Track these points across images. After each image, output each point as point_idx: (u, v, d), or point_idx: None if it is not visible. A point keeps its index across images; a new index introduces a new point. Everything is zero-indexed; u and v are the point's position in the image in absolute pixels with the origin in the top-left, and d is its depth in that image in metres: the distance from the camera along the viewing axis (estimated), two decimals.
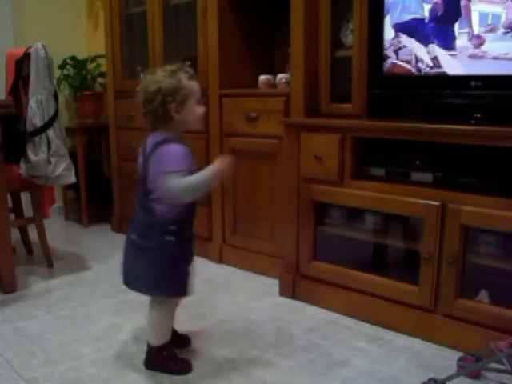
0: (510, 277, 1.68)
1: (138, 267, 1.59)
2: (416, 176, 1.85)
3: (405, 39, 1.89)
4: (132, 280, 1.63)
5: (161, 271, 1.56)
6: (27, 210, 2.76)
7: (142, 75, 1.61)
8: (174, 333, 1.72)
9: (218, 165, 1.54)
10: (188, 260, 1.61)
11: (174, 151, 1.52)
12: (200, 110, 1.59)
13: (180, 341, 1.78)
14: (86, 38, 3.74)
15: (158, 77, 1.53)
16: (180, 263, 1.59)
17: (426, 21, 1.82)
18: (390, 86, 1.98)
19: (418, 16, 1.84)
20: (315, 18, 2.10)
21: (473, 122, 1.75)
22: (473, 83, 1.75)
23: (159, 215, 1.55)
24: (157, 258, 1.55)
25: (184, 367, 1.66)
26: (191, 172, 1.51)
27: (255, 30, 2.67)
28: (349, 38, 2.10)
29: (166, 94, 1.51)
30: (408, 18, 1.87)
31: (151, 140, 1.57)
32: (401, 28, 1.89)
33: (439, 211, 1.74)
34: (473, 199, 1.69)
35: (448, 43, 1.78)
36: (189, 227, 1.62)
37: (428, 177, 1.81)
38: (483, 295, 1.74)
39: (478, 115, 1.75)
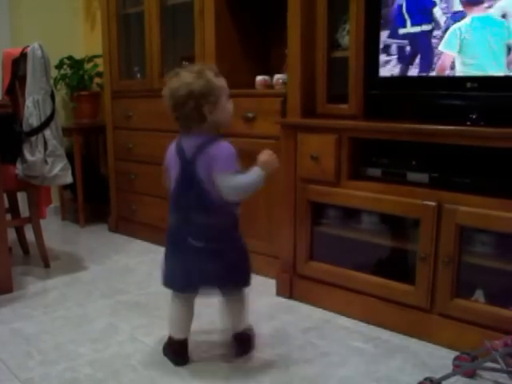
0: (506, 276, 1.69)
1: (219, 268, 1.60)
2: (412, 176, 1.85)
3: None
4: (219, 282, 1.64)
5: (238, 267, 1.66)
6: (24, 210, 2.76)
7: (167, 77, 1.58)
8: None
9: (261, 164, 1.56)
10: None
11: (228, 150, 1.54)
12: (230, 106, 1.59)
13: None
14: (83, 38, 3.74)
15: (186, 79, 1.51)
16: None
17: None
18: (387, 87, 1.98)
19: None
20: (312, 19, 2.11)
21: (468, 122, 1.76)
22: (469, 84, 1.76)
23: (221, 214, 1.58)
24: (234, 257, 1.63)
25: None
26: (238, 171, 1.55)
27: (252, 30, 2.68)
28: (345, 39, 2.10)
29: (199, 97, 1.49)
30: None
31: (192, 142, 1.56)
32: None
33: (435, 211, 1.75)
34: (468, 199, 1.69)
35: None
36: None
37: (424, 177, 1.82)
38: (479, 295, 1.75)
39: (474, 116, 1.76)
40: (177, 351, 1.71)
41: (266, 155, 1.58)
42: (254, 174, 1.55)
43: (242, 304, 1.72)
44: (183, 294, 1.66)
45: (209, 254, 1.57)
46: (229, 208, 1.59)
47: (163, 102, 1.56)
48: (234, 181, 1.52)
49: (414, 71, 1.88)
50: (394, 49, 1.92)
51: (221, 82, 1.55)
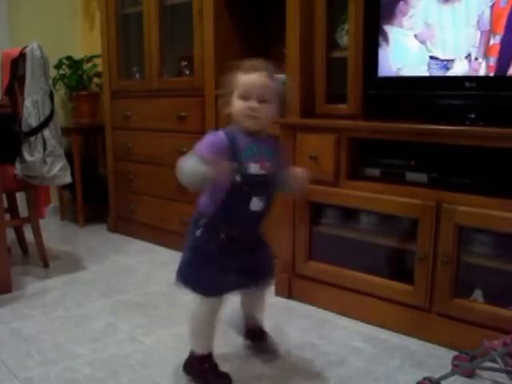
0: (504, 276, 1.70)
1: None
2: (411, 176, 1.86)
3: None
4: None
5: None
6: (23, 210, 2.76)
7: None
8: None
9: (212, 168, 1.38)
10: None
11: (205, 137, 1.48)
12: (241, 104, 1.45)
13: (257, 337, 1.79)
14: (82, 38, 3.74)
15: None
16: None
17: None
18: (385, 87, 1.99)
19: None
20: (311, 19, 2.11)
21: (467, 122, 1.76)
22: (467, 84, 1.76)
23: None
24: None
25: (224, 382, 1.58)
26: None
27: (251, 30, 2.68)
28: (344, 39, 2.10)
29: (224, 94, 1.51)
30: None
31: None
32: None
33: (434, 211, 1.75)
34: (467, 199, 1.70)
35: None
36: (225, 228, 1.51)
37: (423, 177, 1.82)
38: (477, 294, 1.75)
39: (473, 116, 1.77)
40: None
41: (221, 165, 1.39)
42: (197, 163, 1.39)
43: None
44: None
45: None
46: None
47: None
48: (182, 160, 1.42)
49: None
50: None
51: (243, 78, 1.45)
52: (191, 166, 1.40)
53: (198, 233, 1.51)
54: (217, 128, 1.56)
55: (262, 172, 1.48)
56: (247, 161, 1.45)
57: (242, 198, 1.47)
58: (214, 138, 1.46)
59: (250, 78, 1.44)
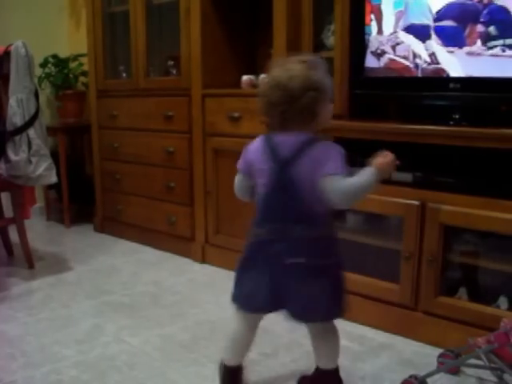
0: (488, 274, 1.72)
1: (317, 292, 1.33)
2: (396, 176, 1.87)
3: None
4: (311, 310, 1.35)
5: (340, 290, 1.37)
6: (7, 210, 2.73)
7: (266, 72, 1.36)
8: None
9: (377, 166, 1.32)
10: None
11: (338, 149, 1.31)
12: (331, 108, 1.38)
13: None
14: (68, 37, 3.71)
15: (300, 69, 1.28)
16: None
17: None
18: (372, 87, 2.00)
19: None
20: (297, 19, 2.11)
21: (451, 122, 1.78)
22: (452, 85, 1.78)
23: (325, 225, 1.35)
24: (338, 276, 1.37)
25: None
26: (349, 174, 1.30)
27: (238, 30, 2.68)
28: (330, 40, 2.11)
29: (318, 90, 1.28)
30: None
31: (291, 141, 1.31)
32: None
33: (419, 210, 1.77)
34: (452, 199, 1.71)
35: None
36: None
37: (408, 177, 1.84)
38: (462, 293, 1.77)
39: (457, 116, 1.78)
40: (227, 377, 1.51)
41: (384, 157, 1.34)
42: (367, 175, 1.30)
43: (335, 335, 1.44)
44: (251, 315, 1.45)
45: (310, 271, 1.32)
46: (330, 218, 1.37)
47: (265, 94, 1.31)
48: (343, 184, 1.27)
49: None
50: None
51: (329, 79, 1.35)
52: (359, 184, 1.29)
53: (339, 251, 1.39)
54: (313, 138, 1.34)
55: None
56: None
57: None
58: (339, 149, 1.32)
59: (330, 78, 1.36)
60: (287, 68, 1.30)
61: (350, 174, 1.29)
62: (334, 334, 1.44)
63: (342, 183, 1.27)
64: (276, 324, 1.98)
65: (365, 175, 1.30)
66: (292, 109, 1.29)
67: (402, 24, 1.86)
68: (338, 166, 1.28)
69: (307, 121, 1.31)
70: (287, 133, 1.32)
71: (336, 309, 1.38)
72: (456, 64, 1.77)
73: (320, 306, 1.35)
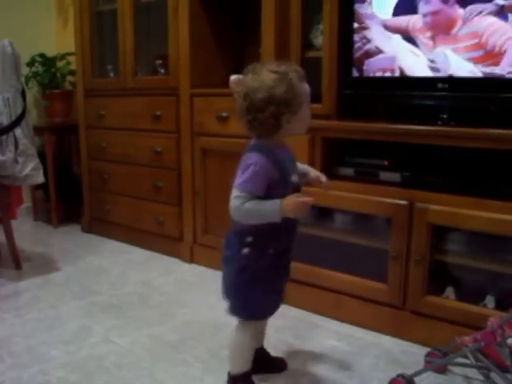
0: (475, 274, 1.73)
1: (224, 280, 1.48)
2: (384, 176, 1.88)
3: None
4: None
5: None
6: None
7: (243, 73, 1.40)
8: (267, 356, 1.66)
9: (284, 204, 1.31)
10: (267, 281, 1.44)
11: (247, 163, 1.34)
12: (309, 114, 1.40)
13: (274, 364, 1.67)
14: (56, 35, 3.68)
15: (267, 80, 1.31)
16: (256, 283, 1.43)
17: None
18: (360, 87, 2.00)
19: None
20: (286, 19, 2.11)
21: (439, 122, 1.79)
22: (440, 85, 1.79)
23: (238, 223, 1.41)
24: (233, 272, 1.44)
25: None
26: (259, 197, 1.33)
27: (226, 29, 2.67)
28: (319, 39, 2.12)
29: (280, 104, 1.30)
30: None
31: (287, 152, 1.43)
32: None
33: (407, 210, 1.77)
34: (439, 198, 1.73)
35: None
36: (273, 243, 1.42)
37: (396, 176, 1.85)
38: (450, 292, 1.78)
39: (445, 116, 1.80)
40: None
41: (296, 198, 1.32)
42: (269, 207, 1.32)
43: (235, 338, 1.54)
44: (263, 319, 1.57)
45: (222, 258, 1.47)
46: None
47: (236, 100, 1.37)
48: (234, 201, 1.34)
49: None
50: None
51: (305, 87, 1.36)
52: (257, 209, 1.33)
53: (246, 251, 1.40)
54: (254, 145, 1.40)
55: (297, 180, 1.44)
56: (290, 173, 1.41)
57: None
58: (262, 165, 1.33)
59: (306, 85, 1.38)
60: (257, 78, 1.33)
61: (258, 192, 1.32)
62: (235, 335, 1.51)
63: (234, 200, 1.34)
64: None
65: (267, 205, 1.33)
66: (254, 119, 1.34)
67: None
68: (240, 179, 1.34)
69: (271, 132, 1.36)
70: (252, 139, 1.42)
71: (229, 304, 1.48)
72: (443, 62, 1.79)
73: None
